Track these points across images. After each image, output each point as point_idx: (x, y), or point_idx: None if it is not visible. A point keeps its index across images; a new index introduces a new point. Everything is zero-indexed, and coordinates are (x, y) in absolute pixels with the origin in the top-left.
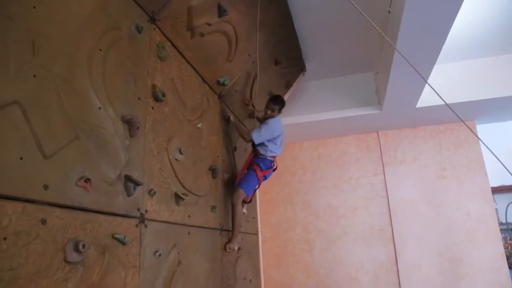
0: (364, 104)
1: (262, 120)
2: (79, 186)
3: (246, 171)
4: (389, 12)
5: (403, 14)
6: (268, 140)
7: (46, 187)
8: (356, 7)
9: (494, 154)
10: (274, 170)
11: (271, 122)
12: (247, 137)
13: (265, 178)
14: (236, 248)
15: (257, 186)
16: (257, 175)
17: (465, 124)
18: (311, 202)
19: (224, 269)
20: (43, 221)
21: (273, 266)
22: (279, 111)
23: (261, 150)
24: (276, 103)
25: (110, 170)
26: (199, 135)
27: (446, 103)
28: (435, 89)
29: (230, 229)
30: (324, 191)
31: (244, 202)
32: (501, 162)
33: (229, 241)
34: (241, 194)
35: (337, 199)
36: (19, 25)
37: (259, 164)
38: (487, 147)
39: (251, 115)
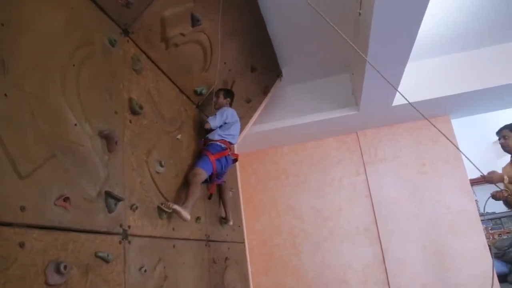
0: (341, 105)
1: (217, 110)
2: (58, 205)
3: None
4: (360, 14)
5: (373, 16)
6: (220, 127)
7: (23, 208)
8: (326, 19)
9: (459, 149)
10: (235, 161)
11: (224, 109)
12: (206, 126)
13: (222, 168)
14: (179, 211)
15: (211, 171)
16: (209, 158)
17: (433, 125)
18: (295, 206)
19: (213, 280)
20: (21, 244)
21: (261, 273)
22: (230, 104)
23: (209, 136)
24: (227, 95)
25: (90, 187)
26: (179, 146)
27: (415, 107)
28: (409, 87)
29: (218, 239)
30: (308, 195)
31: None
32: (465, 156)
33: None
34: (198, 171)
35: (321, 202)
36: None
37: (208, 149)
38: (452, 142)
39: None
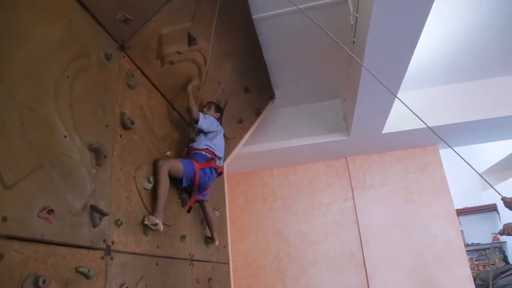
0: (332, 130)
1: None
2: (41, 217)
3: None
4: (354, 42)
5: (366, 45)
6: (206, 134)
7: (4, 219)
8: (325, 30)
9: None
10: (220, 174)
11: (209, 116)
12: (195, 115)
13: (207, 179)
14: (157, 223)
15: (194, 178)
16: (193, 164)
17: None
18: (282, 229)
19: None
20: (0, 256)
21: None
22: (219, 121)
23: (194, 144)
24: (218, 110)
25: (75, 200)
26: None
27: (430, 127)
28: (400, 116)
29: (202, 259)
30: (295, 218)
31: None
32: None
33: (152, 213)
34: (173, 161)
35: (308, 226)
36: None
37: (194, 157)
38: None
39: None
